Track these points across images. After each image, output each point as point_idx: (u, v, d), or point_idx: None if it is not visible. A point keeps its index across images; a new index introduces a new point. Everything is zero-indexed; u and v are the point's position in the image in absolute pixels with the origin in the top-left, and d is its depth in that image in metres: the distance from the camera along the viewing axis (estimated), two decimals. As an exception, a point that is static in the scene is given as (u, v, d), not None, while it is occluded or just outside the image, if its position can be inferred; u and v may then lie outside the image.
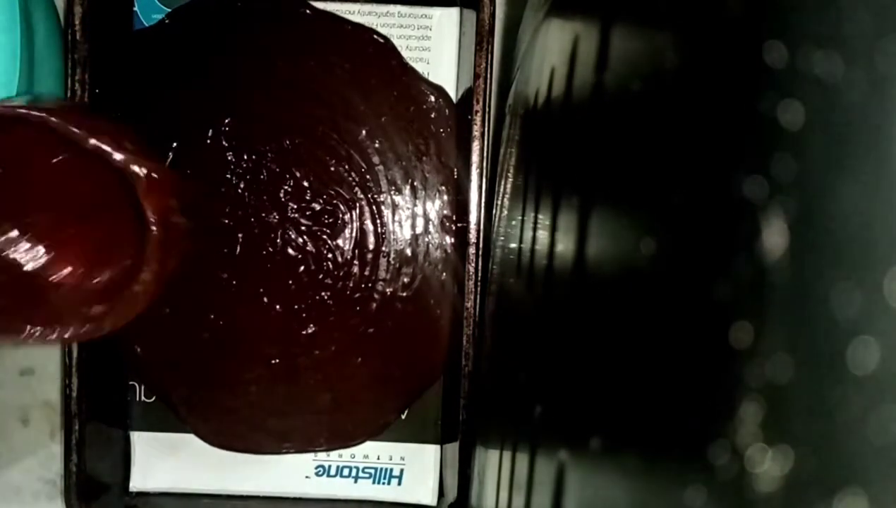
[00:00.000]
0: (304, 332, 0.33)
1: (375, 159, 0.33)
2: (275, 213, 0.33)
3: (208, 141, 0.32)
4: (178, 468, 0.32)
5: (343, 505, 0.32)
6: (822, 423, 0.08)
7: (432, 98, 0.32)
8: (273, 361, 0.33)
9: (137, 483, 0.32)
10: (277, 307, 0.33)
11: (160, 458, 0.32)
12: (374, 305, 0.33)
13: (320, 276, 0.33)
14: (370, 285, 0.33)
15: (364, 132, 0.32)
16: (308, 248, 0.33)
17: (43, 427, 0.34)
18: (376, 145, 0.32)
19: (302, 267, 0.33)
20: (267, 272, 0.33)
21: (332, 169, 0.33)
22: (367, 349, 0.33)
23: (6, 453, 0.34)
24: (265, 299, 0.33)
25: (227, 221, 0.32)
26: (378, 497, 0.33)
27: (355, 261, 0.33)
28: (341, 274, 0.33)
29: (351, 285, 0.33)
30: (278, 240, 0.33)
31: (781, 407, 0.09)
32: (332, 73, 0.32)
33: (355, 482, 0.33)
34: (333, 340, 0.33)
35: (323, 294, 0.33)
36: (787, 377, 0.09)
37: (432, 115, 0.32)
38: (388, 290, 0.33)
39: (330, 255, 0.33)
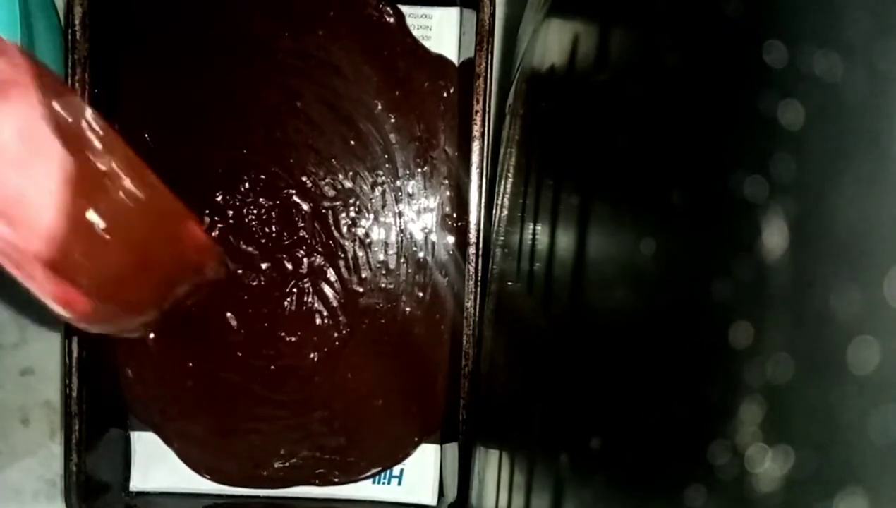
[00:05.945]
0: (322, 375, 0.31)
1: (392, 137, 0.31)
2: (288, 201, 0.30)
3: (211, 121, 0.30)
4: (178, 468, 0.32)
5: (343, 505, 0.32)
6: (822, 423, 0.08)
7: (444, 78, 0.31)
8: (282, 410, 0.31)
9: (137, 483, 0.32)
10: (290, 339, 0.31)
11: (160, 458, 0.32)
12: (398, 329, 0.31)
13: (354, 285, 0.30)
14: (393, 304, 0.31)
15: (380, 106, 0.31)
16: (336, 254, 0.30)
17: (43, 428, 0.34)
18: (392, 121, 0.31)
19: (332, 275, 0.31)
20: (281, 285, 0.31)
21: (353, 142, 0.30)
22: (388, 387, 0.31)
23: (6, 453, 0.33)
24: (279, 333, 0.31)
25: (232, 214, 0.31)
26: (378, 497, 0.32)
27: (382, 271, 0.31)
28: (371, 287, 0.31)
29: (378, 304, 0.31)
30: (295, 236, 0.30)
31: (781, 407, 0.09)
32: (342, 44, 0.31)
33: (355, 482, 0.33)
34: (356, 385, 0.31)
35: (342, 319, 0.31)
36: (787, 377, 0.09)
37: (444, 95, 0.31)
38: (407, 310, 0.31)
39: (360, 252, 0.30)
